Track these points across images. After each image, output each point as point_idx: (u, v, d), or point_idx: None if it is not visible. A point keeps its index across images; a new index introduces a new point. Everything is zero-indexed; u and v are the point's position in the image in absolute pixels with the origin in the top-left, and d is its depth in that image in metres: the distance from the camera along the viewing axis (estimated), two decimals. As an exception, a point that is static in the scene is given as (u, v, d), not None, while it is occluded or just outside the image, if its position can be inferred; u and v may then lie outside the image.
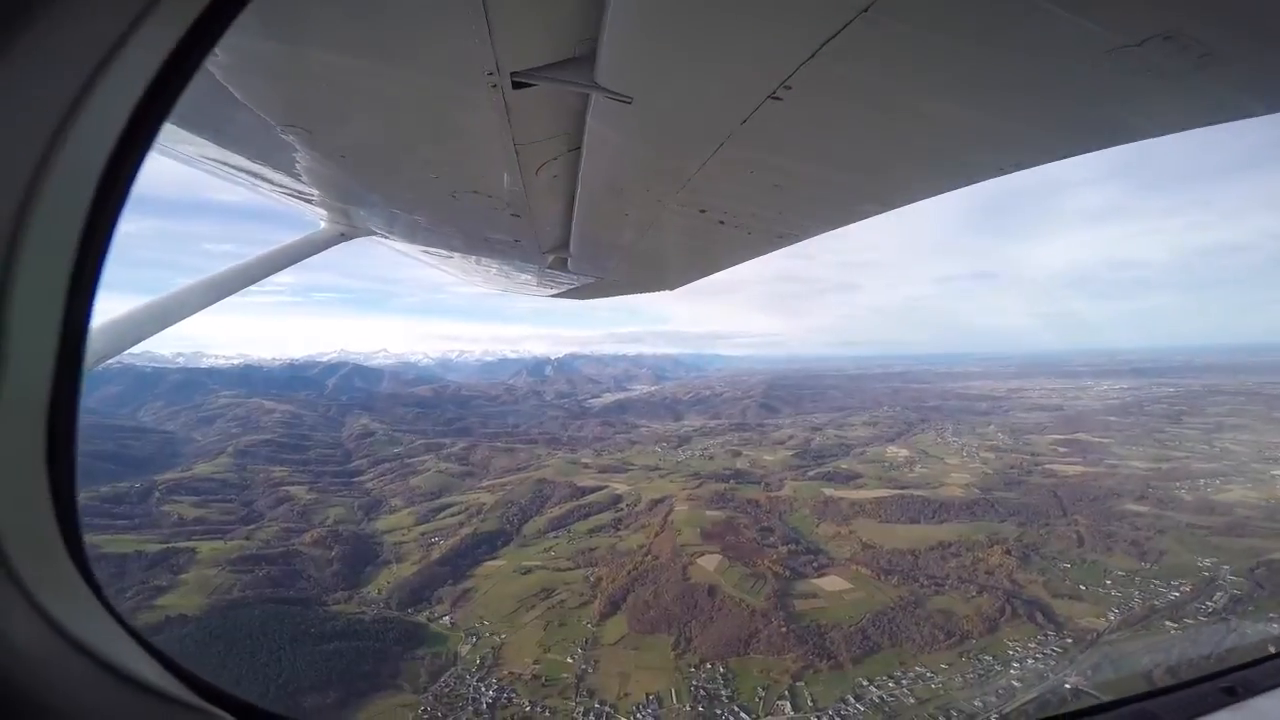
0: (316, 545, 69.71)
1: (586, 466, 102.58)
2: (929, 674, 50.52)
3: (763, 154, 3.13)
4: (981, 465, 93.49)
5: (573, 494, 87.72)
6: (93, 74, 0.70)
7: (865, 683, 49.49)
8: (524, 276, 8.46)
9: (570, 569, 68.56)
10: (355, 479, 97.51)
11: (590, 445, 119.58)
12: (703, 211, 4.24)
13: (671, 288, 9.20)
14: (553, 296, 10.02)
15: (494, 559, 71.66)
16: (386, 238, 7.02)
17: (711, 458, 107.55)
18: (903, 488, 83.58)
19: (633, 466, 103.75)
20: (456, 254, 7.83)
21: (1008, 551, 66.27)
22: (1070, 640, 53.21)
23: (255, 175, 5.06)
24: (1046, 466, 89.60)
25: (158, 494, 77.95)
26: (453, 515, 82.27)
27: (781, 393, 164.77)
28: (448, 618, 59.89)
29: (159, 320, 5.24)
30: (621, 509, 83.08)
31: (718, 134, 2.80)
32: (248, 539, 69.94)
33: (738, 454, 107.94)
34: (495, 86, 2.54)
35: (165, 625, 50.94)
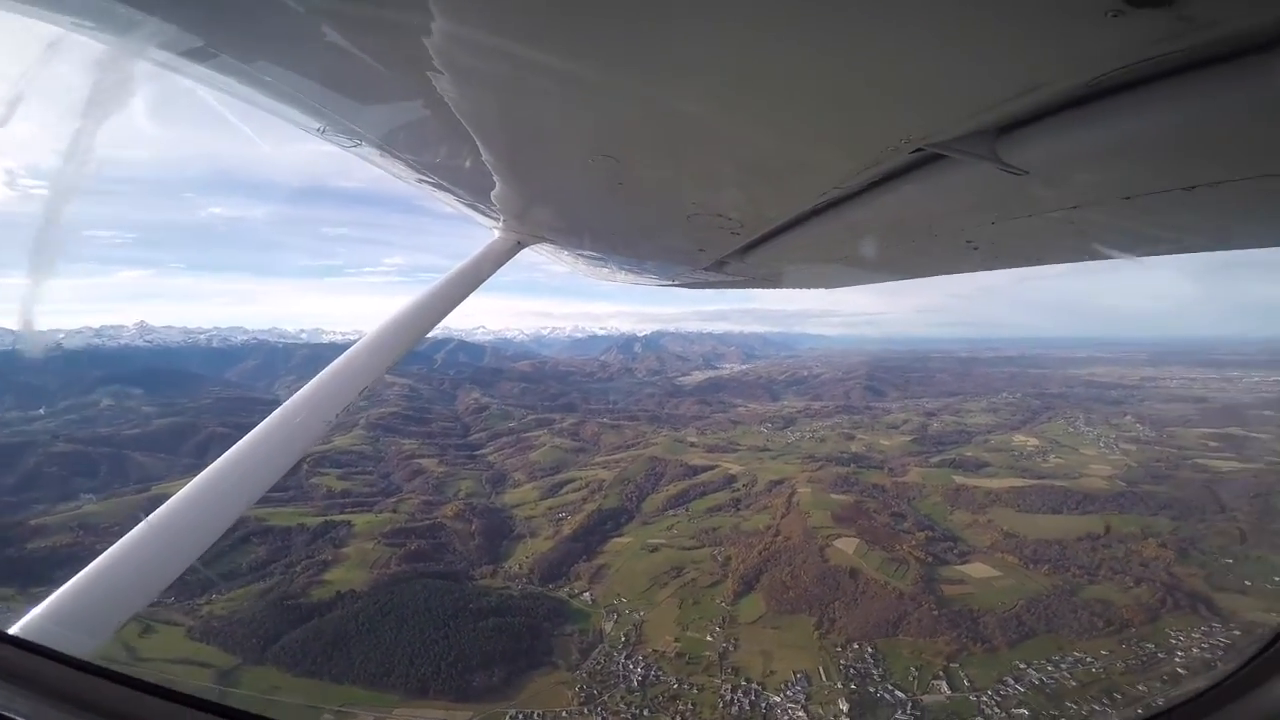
0: (457, 519, 73.44)
1: (693, 445, 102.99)
2: (1089, 659, 49.74)
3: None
4: (1123, 457, 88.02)
5: (685, 473, 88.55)
6: None
7: (1023, 665, 49.28)
8: (673, 272, 7.83)
9: (696, 547, 69.83)
10: (477, 452, 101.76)
11: (690, 424, 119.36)
12: (969, 242, 3.85)
13: (829, 287, 8.19)
14: (674, 285, 9.07)
15: (620, 536, 73.65)
16: (558, 245, 6.77)
17: (823, 440, 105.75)
18: (1040, 477, 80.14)
19: (740, 447, 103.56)
20: (620, 256, 7.38)
21: (1163, 545, 62.73)
22: (1238, 632, 50.69)
23: (438, 186, 4.93)
24: (1196, 461, 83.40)
25: (305, 466, 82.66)
26: (574, 491, 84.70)
27: (886, 375, 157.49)
28: (587, 594, 62.15)
29: (391, 351, 5.47)
30: (738, 489, 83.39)
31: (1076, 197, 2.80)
32: (395, 511, 74.36)
33: (850, 438, 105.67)
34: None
35: (339, 601, 55.00)
